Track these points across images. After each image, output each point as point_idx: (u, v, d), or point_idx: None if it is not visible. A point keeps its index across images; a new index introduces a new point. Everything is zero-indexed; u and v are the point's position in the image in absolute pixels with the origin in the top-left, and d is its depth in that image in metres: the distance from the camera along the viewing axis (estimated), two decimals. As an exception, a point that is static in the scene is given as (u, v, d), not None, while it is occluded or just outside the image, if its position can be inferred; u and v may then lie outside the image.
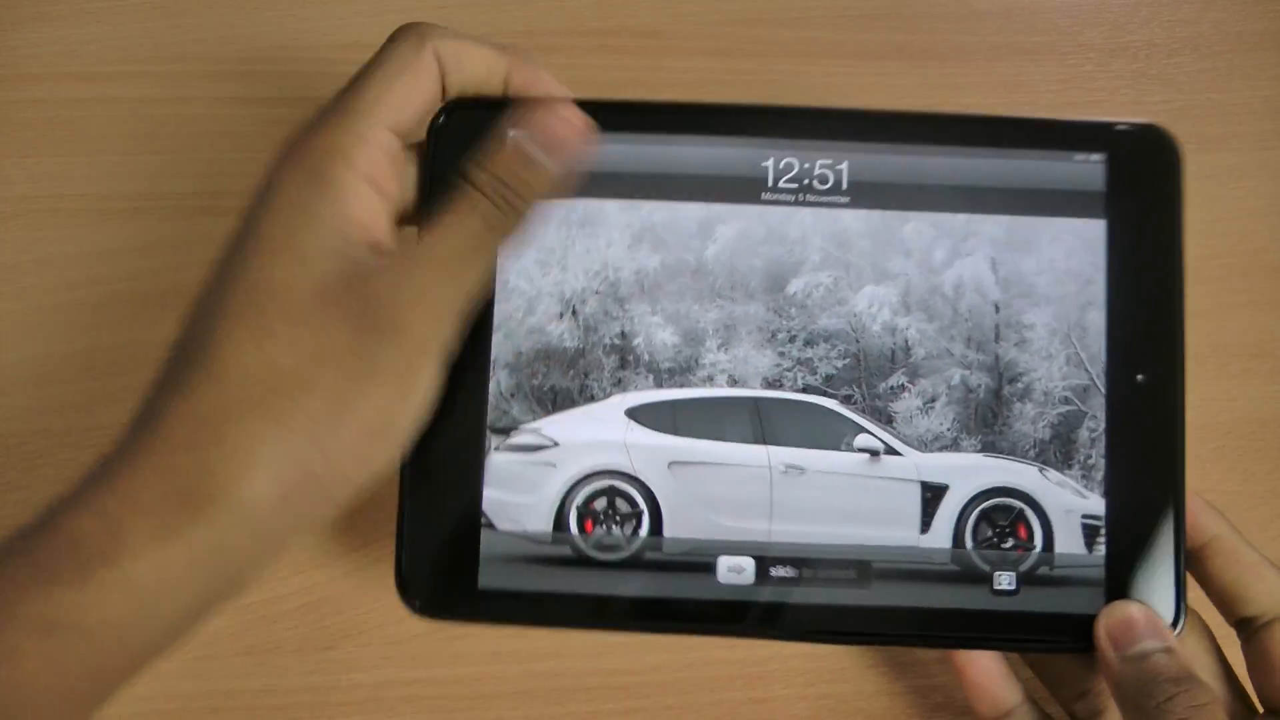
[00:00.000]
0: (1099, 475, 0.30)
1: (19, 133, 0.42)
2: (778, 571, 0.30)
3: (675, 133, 0.31)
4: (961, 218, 0.31)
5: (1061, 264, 0.31)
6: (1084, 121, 0.31)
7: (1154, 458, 0.30)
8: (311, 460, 0.26)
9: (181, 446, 0.25)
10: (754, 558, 0.30)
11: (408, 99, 0.29)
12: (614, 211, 0.31)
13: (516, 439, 0.31)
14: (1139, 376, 0.30)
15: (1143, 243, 0.31)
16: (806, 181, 0.31)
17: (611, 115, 0.31)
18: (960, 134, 0.31)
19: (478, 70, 0.30)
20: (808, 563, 0.30)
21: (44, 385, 0.39)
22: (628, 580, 0.30)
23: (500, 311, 0.31)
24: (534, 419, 0.31)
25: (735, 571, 0.30)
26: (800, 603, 0.30)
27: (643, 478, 0.31)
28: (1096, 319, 0.31)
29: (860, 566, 0.30)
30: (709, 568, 0.30)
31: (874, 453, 0.31)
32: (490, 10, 0.43)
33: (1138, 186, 0.31)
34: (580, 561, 0.31)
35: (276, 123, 0.42)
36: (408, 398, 0.27)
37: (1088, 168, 0.31)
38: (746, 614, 0.30)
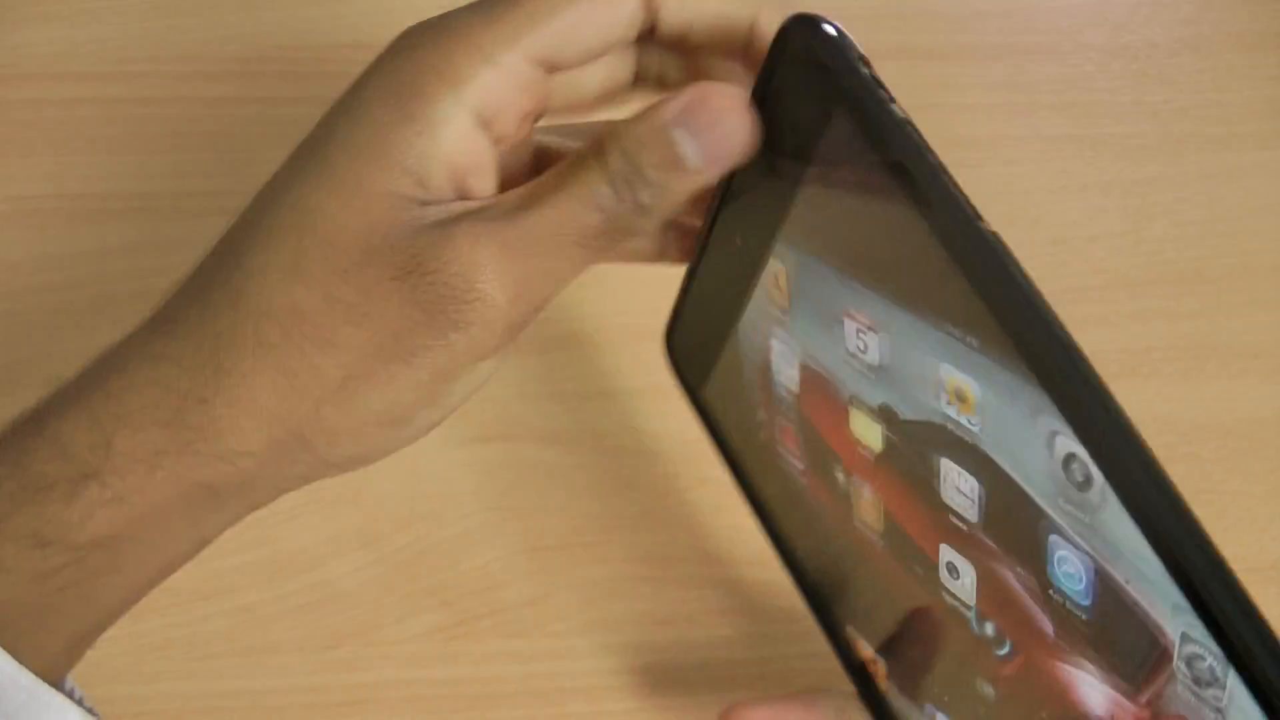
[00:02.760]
0: None
1: (19, 133, 0.42)
2: None
3: None
4: None
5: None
6: None
7: None
8: (306, 425, 0.23)
9: (183, 362, 0.22)
10: None
11: (585, 27, 0.22)
12: None
13: None
14: None
15: None
16: None
17: None
18: None
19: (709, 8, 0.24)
20: None
21: (44, 385, 0.39)
22: None
23: None
24: None
25: None
26: None
27: None
28: None
29: None
30: None
31: None
32: (490, 10, 0.43)
33: None
34: None
35: (276, 123, 0.42)
36: (436, 402, 0.23)
37: None
38: None
